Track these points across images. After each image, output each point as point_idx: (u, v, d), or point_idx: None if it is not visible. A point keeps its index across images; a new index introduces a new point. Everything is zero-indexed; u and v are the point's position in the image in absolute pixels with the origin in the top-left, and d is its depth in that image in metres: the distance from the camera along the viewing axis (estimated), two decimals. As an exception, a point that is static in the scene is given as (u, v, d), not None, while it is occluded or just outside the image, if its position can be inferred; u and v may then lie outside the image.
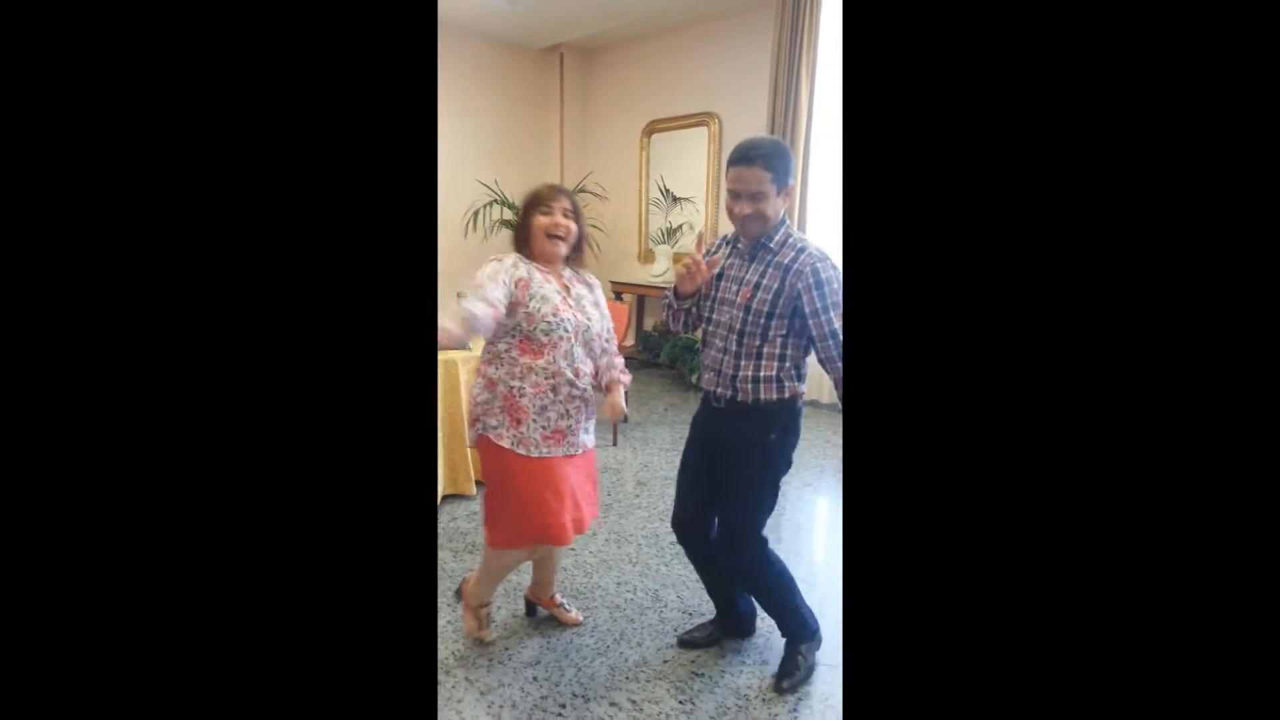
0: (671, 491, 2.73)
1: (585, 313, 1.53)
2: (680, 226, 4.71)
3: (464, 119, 4.66)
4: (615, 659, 1.68)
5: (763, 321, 1.40)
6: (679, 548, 2.26)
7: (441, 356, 2.39)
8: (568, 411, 1.49)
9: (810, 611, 1.65)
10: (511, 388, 1.47)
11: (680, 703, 1.53)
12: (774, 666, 1.65)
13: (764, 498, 1.51)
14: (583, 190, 4.87)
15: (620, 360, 1.64)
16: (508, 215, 4.65)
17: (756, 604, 1.73)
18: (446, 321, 1.28)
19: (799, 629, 1.62)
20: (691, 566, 2.12)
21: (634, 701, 1.53)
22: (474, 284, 1.40)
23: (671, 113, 4.65)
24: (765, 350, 1.42)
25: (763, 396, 1.43)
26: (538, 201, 1.51)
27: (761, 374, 1.43)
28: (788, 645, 1.64)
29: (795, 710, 1.52)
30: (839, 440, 3.38)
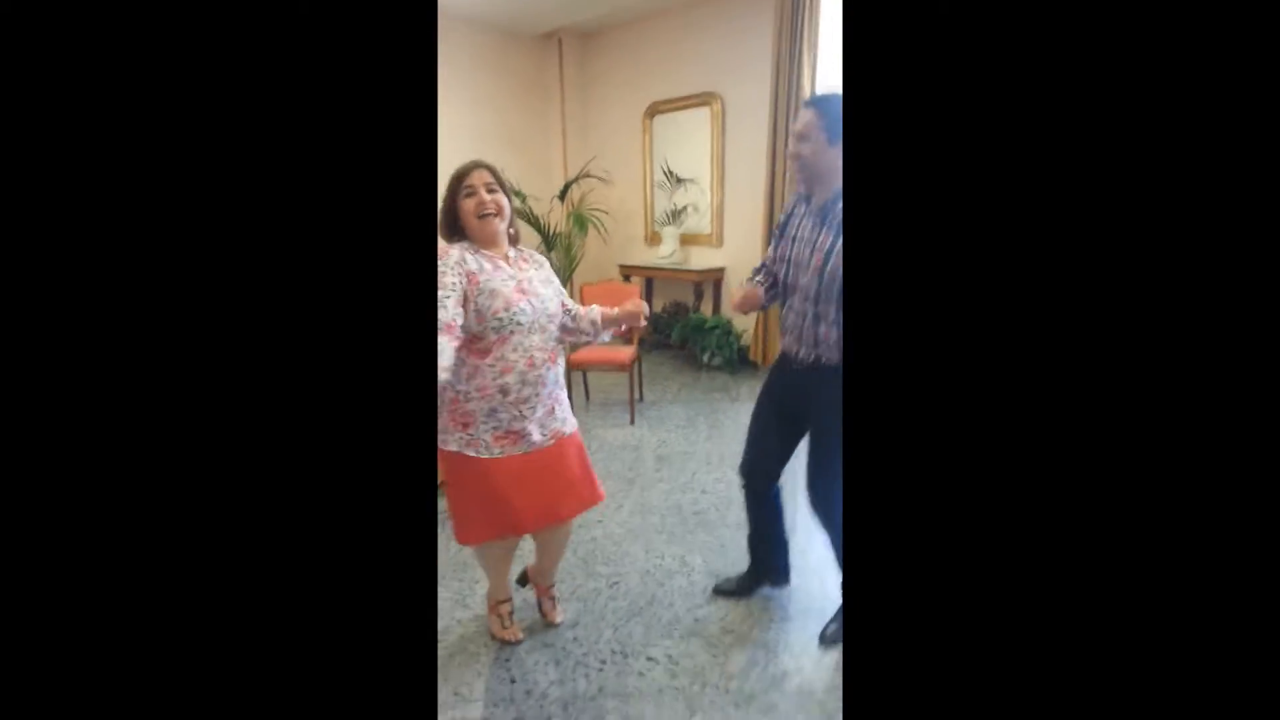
0: (691, 466, 2.86)
1: (540, 295, 1.45)
2: (685, 208, 4.76)
3: (465, 108, 4.70)
4: (649, 619, 1.79)
5: (837, 286, 1.44)
6: (702, 516, 2.37)
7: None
8: (520, 413, 1.42)
9: None
10: (458, 391, 1.40)
11: (713, 656, 1.64)
12: (798, 622, 1.76)
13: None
14: (587, 175, 4.92)
15: (586, 309, 1.62)
16: (515, 203, 4.71)
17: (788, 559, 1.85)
18: (442, 375, 1.23)
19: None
20: (713, 533, 2.24)
21: (670, 656, 1.64)
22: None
23: (673, 94, 4.67)
24: (831, 311, 1.47)
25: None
26: (458, 183, 1.42)
27: (838, 336, 1.48)
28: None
29: (819, 660, 1.63)
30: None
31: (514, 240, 1.53)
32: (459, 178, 1.43)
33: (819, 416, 1.57)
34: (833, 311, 1.46)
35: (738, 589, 1.87)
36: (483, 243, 1.44)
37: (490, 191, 1.42)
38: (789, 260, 1.55)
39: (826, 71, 3.73)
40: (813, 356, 1.53)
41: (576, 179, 4.92)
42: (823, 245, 1.46)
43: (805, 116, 1.45)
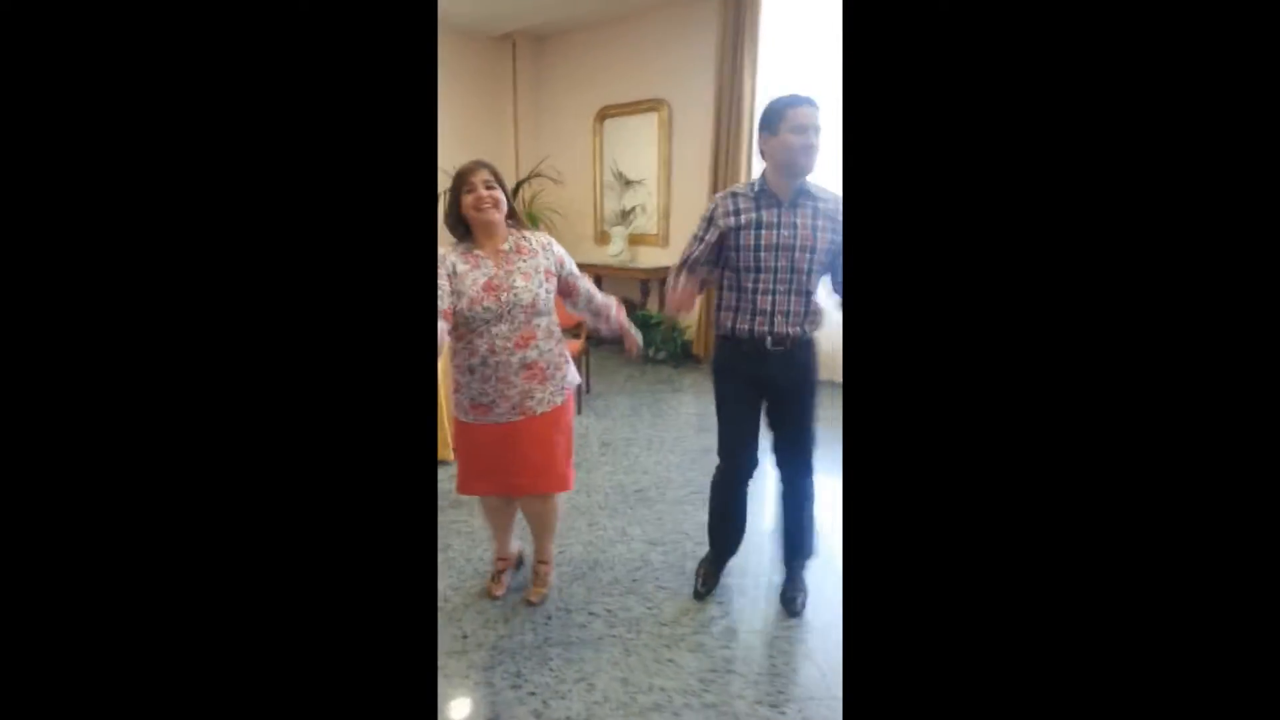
0: (634, 450, 3.04)
1: (515, 287, 1.58)
2: (633, 209, 4.95)
3: (420, 105, 4.74)
4: (591, 581, 1.96)
5: (822, 260, 1.59)
6: (642, 493, 2.55)
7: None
8: (484, 390, 1.62)
9: None
10: (454, 364, 1.68)
11: (648, 609, 1.82)
12: (727, 577, 1.96)
13: (814, 419, 1.73)
14: (539, 174, 5.05)
15: (603, 302, 1.78)
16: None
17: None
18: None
19: (811, 543, 1.87)
20: (652, 508, 2.42)
21: (609, 610, 1.82)
22: None
23: (622, 99, 4.86)
24: (816, 286, 1.63)
25: (821, 327, 1.66)
26: (460, 182, 1.57)
27: (817, 308, 1.64)
28: (798, 566, 1.87)
29: (727, 609, 1.83)
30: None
31: (519, 222, 1.67)
32: (461, 177, 1.57)
33: (798, 385, 1.68)
34: (810, 286, 1.61)
35: (708, 579, 1.92)
36: (482, 234, 1.60)
37: (488, 188, 1.57)
38: (759, 246, 1.57)
39: (767, 86, 3.98)
40: (800, 329, 1.62)
41: (528, 178, 5.04)
42: (807, 223, 1.57)
43: (812, 111, 1.50)
